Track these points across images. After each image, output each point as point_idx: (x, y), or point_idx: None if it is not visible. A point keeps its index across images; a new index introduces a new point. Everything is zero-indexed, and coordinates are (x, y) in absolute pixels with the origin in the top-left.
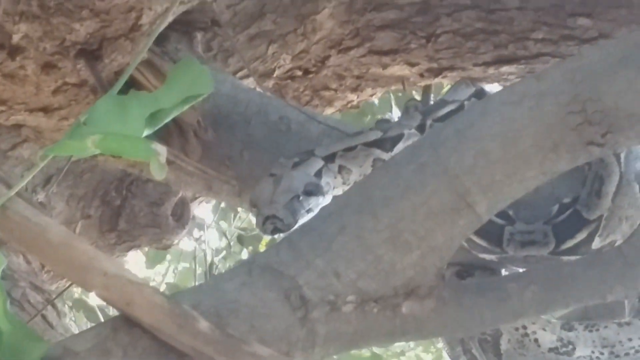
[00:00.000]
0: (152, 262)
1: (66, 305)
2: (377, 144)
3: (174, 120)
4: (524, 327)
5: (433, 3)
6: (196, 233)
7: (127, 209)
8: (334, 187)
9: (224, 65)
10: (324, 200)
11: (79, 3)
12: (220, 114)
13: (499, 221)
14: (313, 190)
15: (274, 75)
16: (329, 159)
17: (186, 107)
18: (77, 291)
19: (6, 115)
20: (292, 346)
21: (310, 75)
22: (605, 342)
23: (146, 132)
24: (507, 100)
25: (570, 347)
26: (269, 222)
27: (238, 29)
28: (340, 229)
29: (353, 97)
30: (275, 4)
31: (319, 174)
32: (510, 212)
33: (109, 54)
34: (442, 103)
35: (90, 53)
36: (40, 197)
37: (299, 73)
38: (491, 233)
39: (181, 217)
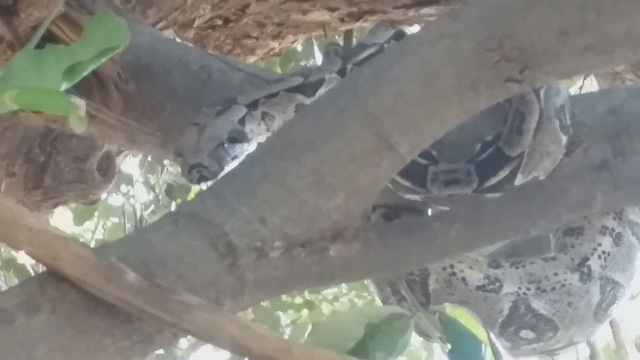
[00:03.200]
0: (80, 219)
1: None
2: (298, 89)
3: (94, 73)
4: (451, 267)
5: None
6: (124, 188)
7: (52, 165)
8: (258, 134)
9: (142, 16)
10: (249, 147)
11: None
12: (141, 65)
13: (423, 161)
14: (237, 137)
15: (194, 25)
16: (252, 106)
17: (104, 59)
18: (6, 251)
19: None
20: (221, 293)
21: (231, 24)
22: (531, 278)
23: (64, 86)
24: (424, 40)
25: (498, 284)
26: (195, 171)
27: None
28: (264, 175)
29: (275, 44)
30: None
31: (242, 122)
32: (434, 152)
33: (25, 9)
34: (361, 47)
35: (6, 9)
36: None
37: (220, 22)
38: (415, 173)
39: (107, 171)
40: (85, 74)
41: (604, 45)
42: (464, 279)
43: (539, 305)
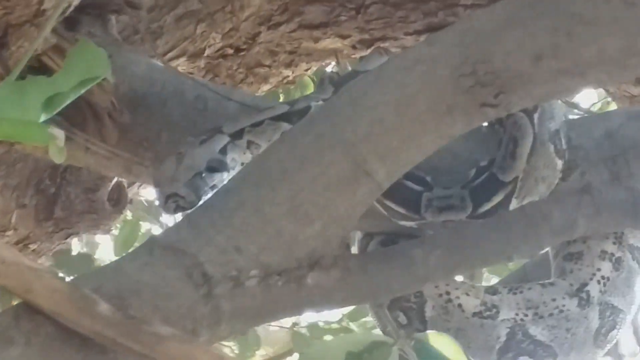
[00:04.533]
0: (120, 249)
1: None
2: (284, 117)
3: (88, 104)
4: (447, 293)
5: None
6: (164, 218)
7: (63, 196)
8: (242, 163)
9: (152, 47)
10: (230, 177)
11: None
12: (137, 95)
13: (417, 187)
14: (217, 167)
15: (205, 54)
16: (237, 135)
17: (83, 90)
18: None
19: None
20: (198, 324)
21: (242, 53)
22: (529, 304)
23: (44, 117)
24: (400, 66)
25: (494, 310)
26: (171, 201)
27: (165, 10)
28: (239, 204)
29: (288, 72)
30: None
31: (223, 151)
32: (428, 178)
33: (15, 42)
34: (353, 74)
35: None
36: None
37: (231, 51)
38: (409, 200)
39: (118, 202)
40: (64, 104)
41: (577, 69)
42: (460, 305)
43: (537, 332)
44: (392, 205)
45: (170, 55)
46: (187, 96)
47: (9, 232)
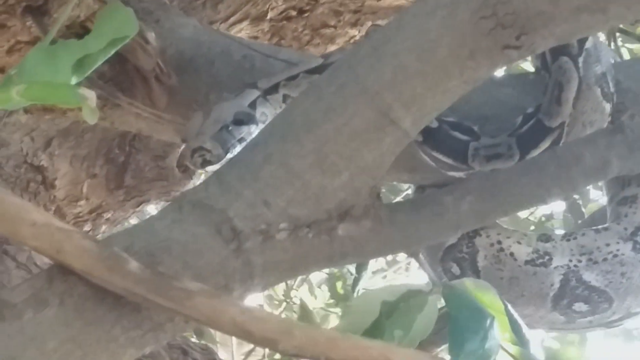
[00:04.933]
0: None
1: None
2: (318, 70)
3: (136, 69)
4: (499, 242)
5: None
6: None
7: (132, 164)
8: None
9: (213, 12)
10: (258, 130)
11: None
12: (184, 58)
13: (464, 137)
14: (244, 119)
15: (268, 17)
16: (272, 89)
17: (113, 51)
18: None
19: None
20: (230, 279)
21: (306, 14)
22: (583, 250)
23: (75, 79)
24: (421, 11)
25: (547, 257)
26: (197, 155)
27: None
28: (266, 157)
29: (354, 32)
30: None
31: (253, 105)
32: (475, 128)
33: (56, 9)
34: None
35: (37, 9)
36: (43, 160)
37: (294, 13)
38: (456, 150)
39: (187, 167)
40: (95, 66)
41: (597, 4)
42: (512, 254)
43: (591, 277)
44: (440, 157)
45: (232, 19)
46: (234, 56)
47: (81, 202)
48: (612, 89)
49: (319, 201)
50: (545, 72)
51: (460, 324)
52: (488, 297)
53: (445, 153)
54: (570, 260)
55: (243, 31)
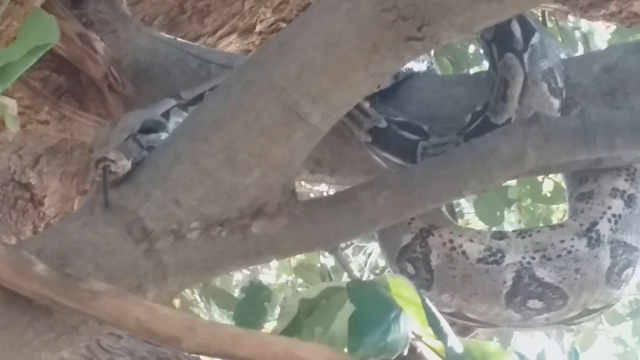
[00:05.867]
0: None
1: None
2: None
3: (91, 80)
4: (451, 241)
5: None
6: None
7: None
8: None
9: (200, 26)
10: None
11: None
12: (140, 67)
13: (413, 137)
14: (153, 127)
15: (257, 30)
16: (196, 99)
17: (34, 59)
18: None
19: None
20: (143, 279)
21: None
22: (537, 247)
23: None
24: (326, 6)
25: (499, 255)
26: (101, 166)
27: None
28: (176, 157)
29: None
30: None
31: (166, 114)
32: (425, 127)
33: (2, 21)
34: None
35: None
36: (32, 177)
37: (284, 25)
38: (405, 149)
39: None
40: (17, 74)
41: None
42: (464, 252)
43: (544, 274)
44: (389, 156)
45: (220, 33)
46: (190, 64)
47: None
48: (560, 85)
49: (231, 199)
50: (493, 69)
51: (361, 316)
52: (405, 292)
53: (394, 153)
54: (524, 257)
55: (232, 44)
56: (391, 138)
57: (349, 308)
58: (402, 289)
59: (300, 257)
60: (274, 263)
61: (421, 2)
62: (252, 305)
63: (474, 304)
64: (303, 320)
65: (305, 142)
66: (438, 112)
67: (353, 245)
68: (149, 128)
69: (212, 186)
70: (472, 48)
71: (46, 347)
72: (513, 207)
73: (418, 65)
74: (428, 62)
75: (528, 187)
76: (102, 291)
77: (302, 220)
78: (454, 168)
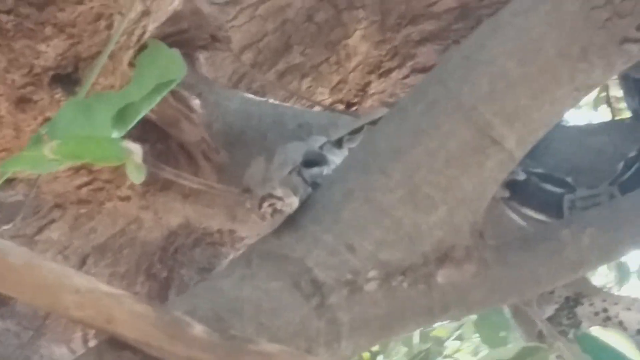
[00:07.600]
0: None
1: None
2: None
3: (180, 146)
4: (605, 310)
5: (472, 5)
6: None
7: (176, 280)
8: None
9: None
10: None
11: (38, 19)
12: (232, 131)
13: (557, 190)
14: (316, 160)
15: None
16: (336, 145)
17: (159, 98)
18: None
19: None
20: (312, 341)
21: (355, 108)
22: None
23: (117, 134)
24: (518, 9)
25: None
26: (266, 204)
27: (265, 67)
28: (347, 194)
29: None
30: (301, 35)
31: (321, 148)
32: (569, 179)
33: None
34: None
35: (66, 77)
36: None
37: (342, 107)
38: (549, 203)
39: None
40: (138, 117)
41: None
42: (621, 322)
43: None
44: (530, 212)
45: None
46: (288, 126)
47: None
48: None
49: (413, 242)
50: None
51: None
52: (622, 343)
53: (537, 208)
54: None
55: None
56: (532, 192)
57: None
58: (619, 342)
59: None
60: None
61: None
62: None
63: None
64: None
65: (497, 172)
66: (579, 163)
67: None
68: (312, 161)
69: (391, 227)
70: None
71: None
72: None
73: None
74: None
75: None
76: (276, 353)
77: (492, 266)
78: None
